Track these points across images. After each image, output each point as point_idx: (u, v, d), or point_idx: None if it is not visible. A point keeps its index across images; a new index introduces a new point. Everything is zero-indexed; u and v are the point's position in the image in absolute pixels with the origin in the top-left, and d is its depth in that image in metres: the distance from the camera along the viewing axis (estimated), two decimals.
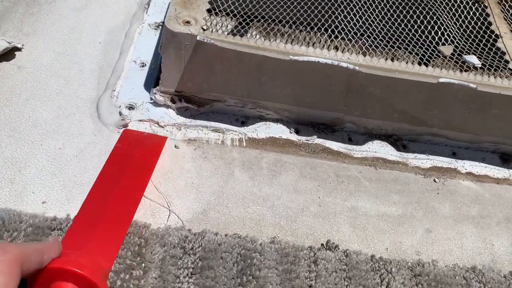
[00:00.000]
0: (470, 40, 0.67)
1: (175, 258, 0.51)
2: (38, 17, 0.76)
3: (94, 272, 0.41)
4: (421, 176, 0.66)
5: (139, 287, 0.48)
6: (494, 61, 0.64)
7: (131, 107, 0.64)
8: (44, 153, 0.59)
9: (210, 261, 0.51)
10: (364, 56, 0.60)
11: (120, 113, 0.63)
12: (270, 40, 0.59)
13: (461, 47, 0.66)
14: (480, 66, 0.63)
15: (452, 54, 0.66)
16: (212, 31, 0.58)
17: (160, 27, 0.75)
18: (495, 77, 0.61)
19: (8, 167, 0.57)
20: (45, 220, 0.52)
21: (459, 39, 0.66)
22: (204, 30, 0.58)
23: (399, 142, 0.68)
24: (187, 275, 0.50)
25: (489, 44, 0.67)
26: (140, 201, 0.54)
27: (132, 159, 0.57)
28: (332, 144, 0.66)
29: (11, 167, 0.57)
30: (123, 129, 0.62)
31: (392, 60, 0.60)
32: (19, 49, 0.70)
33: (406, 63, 0.60)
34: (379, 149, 0.67)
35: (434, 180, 0.66)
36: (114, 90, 0.65)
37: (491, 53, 0.65)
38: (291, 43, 0.59)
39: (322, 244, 0.56)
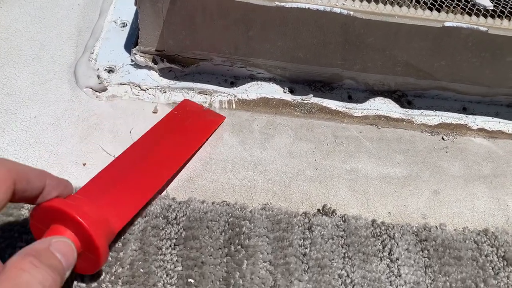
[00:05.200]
0: None
1: (157, 229, 0.47)
2: None
3: (97, 225, 0.38)
4: (427, 134, 0.60)
5: (118, 260, 0.44)
6: (509, 2, 0.57)
7: (110, 70, 0.59)
8: (19, 122, 0.55)
9: (194, 230, 0.47)
10: (361, 1, 0.53)
11: (99, 77, 0.58)
12: None
13: None
14: (492, 8, 0.56)
15: None
16: None
17: None
18: (509, 20, 0.55)
19: None
20: None
21: None
22: None
23: (403, 98, 0.63)
24: (170, 246, 0.46)
25: None
26: (174, 173, 0.51)
27: (180, 130, 0.54)
28: (330, 103, 0.61)
29: None
30: (183, 99, 0.59)
31: (392, 4, 0.54)
32: None
33: (408, 7, 0.53)
34: (382, 106, 0.61)
35: (443, 138, 0.60)
36: (92, 53, 0.61)
37: None
38: None
39: (318, 210, 0.51)
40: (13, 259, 0.32)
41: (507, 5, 0.57)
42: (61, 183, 0.39)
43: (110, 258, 0.44)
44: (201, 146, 0.55)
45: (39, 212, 0.38)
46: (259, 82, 0.61)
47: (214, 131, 0.56)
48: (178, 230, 0.47)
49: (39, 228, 0.39)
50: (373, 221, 0.50)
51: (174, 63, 0.59)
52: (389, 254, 0.48)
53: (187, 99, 0.58)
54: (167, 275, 0.44)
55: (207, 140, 0.56)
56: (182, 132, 0.54)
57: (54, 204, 0.37)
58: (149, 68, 0.60)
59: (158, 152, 0.51)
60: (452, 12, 0.55)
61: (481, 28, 0.52)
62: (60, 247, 0.35)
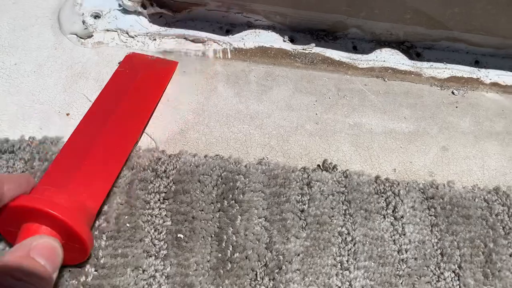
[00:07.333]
0: None
1: (145, 182, 0.43)
2: None
3: (73, 213, 0.34)
4: (437, 88, 0.56)
5: (103, 214, 0.41)
6: None
7: (96, 16, 0.55)
8: None
9: (185, 184, 0.44)
10: None
11: (84, 22, 0.54)
12: None
13: None
14: None
15: None
16: None
17: None
18: None
19: None
20: None
21: None
22: None
23: (412, 50, 0.58)
24: (159, 200, 0.43)
25: None
26: (140, 133, 0.47)
27: (133, 86, 0.49)
28: (333, 53, 0.57)
29: None
30: (129, 52, 0.53)
31: None
32: None
33: None
34: (389, 57, 0.57)
35: (453, 92, 0.56)
36: None
37: None
38: None
39: (318, 165, 0.48)
40: None
41: None
42: (21, 180, 0.34)
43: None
44: (160, 98, 0.50)
45: (5, 215, 0.34)
46: (256, 30, 0.57)
47: (170, 79, 0.52)
48: (168, 184, 0.44)
49: (10, 231, 0.35)
50: (377, 177, 0.47)
51: (165, 8, 0.55)
52: (393, 211, 0.45)
53: (133, 52, 0.53)
54: (155, 230, 0.41)
55: (164, 90, 0.51)
56: (136, 88, 0.49)
57: (21, 203, 0.33)
58: (138, 13, 0.55)
59: (118, 117, 0.46)
60: None
61: None
62: (42, 250, 0.31)
